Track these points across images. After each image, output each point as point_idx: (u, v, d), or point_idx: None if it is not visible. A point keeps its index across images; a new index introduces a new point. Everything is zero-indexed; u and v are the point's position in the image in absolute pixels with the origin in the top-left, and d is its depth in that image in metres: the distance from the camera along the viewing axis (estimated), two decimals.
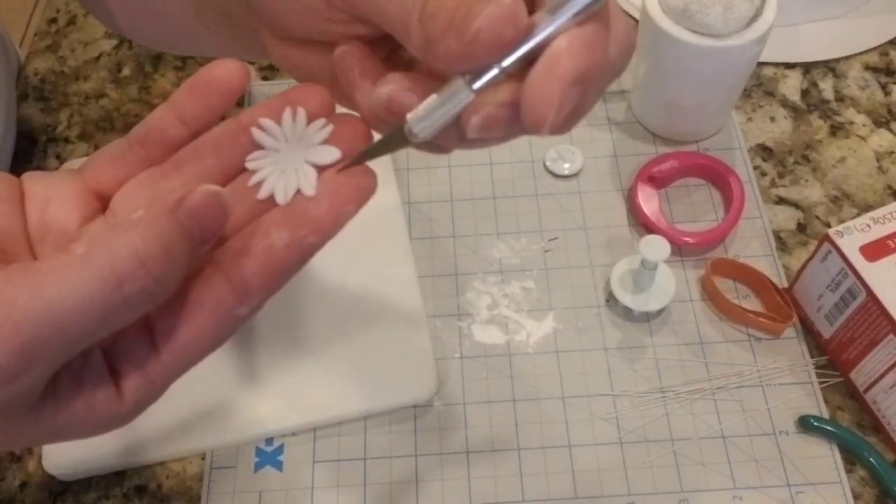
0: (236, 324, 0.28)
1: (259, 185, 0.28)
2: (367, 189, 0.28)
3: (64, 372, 0.27)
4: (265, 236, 0.27)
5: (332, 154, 0.28)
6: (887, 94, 0.64)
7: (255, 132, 0.29)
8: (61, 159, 0.63)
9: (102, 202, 0.30)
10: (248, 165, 0.29)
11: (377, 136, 0.29)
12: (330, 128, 0.29)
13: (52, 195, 0.29)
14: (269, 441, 0.51)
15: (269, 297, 0.28)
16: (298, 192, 0.28)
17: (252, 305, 0.28)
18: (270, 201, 0.28)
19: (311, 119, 0.29)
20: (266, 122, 0.29)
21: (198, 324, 0.27)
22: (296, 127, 0.29)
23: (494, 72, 0.25)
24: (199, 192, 0.26)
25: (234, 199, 0.28)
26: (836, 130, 0.62)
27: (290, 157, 0.28)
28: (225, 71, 0.29)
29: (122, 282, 0.24)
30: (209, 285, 0.27)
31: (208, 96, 0.29)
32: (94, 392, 0.27)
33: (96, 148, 0.64)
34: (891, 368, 0.47)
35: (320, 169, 0.28)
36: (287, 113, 0.29)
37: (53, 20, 0.72)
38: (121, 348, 0.27)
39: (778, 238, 0.57)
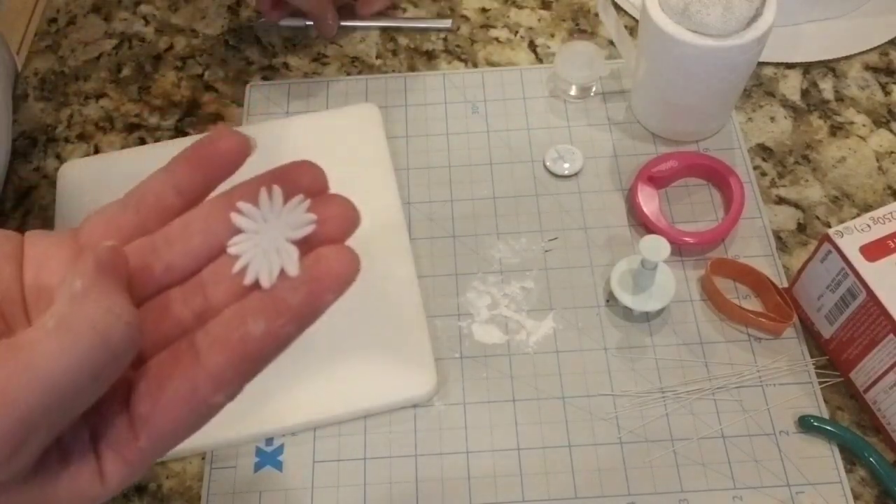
0: (214, 410, 0.28)
1: (243, 270, 0.28)
2: (349, 275, 0.28)
3: (52, 449, 0.27)
4: (242, 324, 0.27)
5: (309, 226, 0.28)
6: (887, 94, 0.64)
7: (234, 217, 0.28)
8: (61, 159, 0.63)
9: None
10: (230, 251, 0.28)
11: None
12: (307, 204, 0.28)
13: (47, 258, 0.29)
14: (269, 441, 0.51)
15: (246, 383, 0.28)
16: (282, 271, 0.27)
17: (229, 393, 0.28)
18: (254, 283, 0.28)
19: (307, 196, 0.29)
20: (244, 205, 0.28)
21: (174, 412, 0.27)
22: (273, 205, 0.28)
23: None
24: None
25: (215, 281, 0.28)
26: (836, 130, 0.62)
27: (270, 237, 0.28)
28: (226, 144, 0.29)
29: (108, 338, 0.25)
30: (186, 373, 0.27)
31: (207, 169, 0.29)
32: (80, 470, 0.27)
33: (96, 148, 0.64)
34: (891, 368, 0.47)
35: (301, 244, 0.28)
36: (263, 193, 0.28)
37: (53, 20, 0.72)
38: (101, 431, 0.28)
39: (778, 238, 0.57)
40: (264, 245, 0.28)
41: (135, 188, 0.30)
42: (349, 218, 0.29)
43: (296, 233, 0.28)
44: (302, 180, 0.29)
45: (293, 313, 0.27)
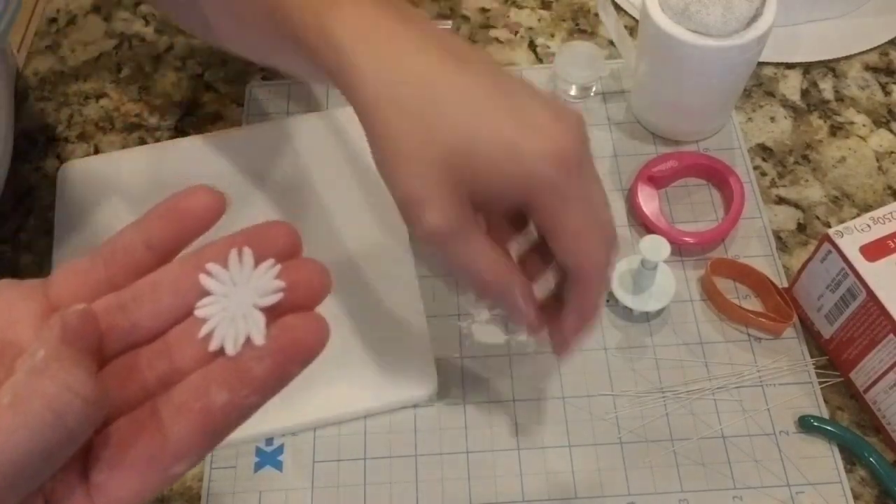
0: (173, 479, 0.27)
1: (209, 335, 0.27)
2: (316, 346, 0.27)
3: None
4: (205, 393, 0.27)
5: (277, 294, 0.27)
6: (887, 94, 0.64)
7: (203, 278, 0.28)
8: (61, 159, 0.63)
9: None
10: (197, 314, 0.28)
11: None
12: (277, 268, 0.28)
13: (15, 311, 0.28)
14: (269, 441, 0.51)
15: (206, 453, 0.28)
16: (248, 339, 0.27)
17: (189, 462, 0.27)
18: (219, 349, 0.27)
19: (279, 259, 0.28)
20: (213, 267, 0.28)
21: (132, 482, 0.27)
22: (243, 269, 0.28)
23: None
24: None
25: (182, 344, 0.28)
26: (836, 130, 0.62)
27: (238, 302, 0.27)
28: (200, 201, 0.28)
29: (64, 418, 0.24)
30: (146, 442, 0.27)
31: (179, 226, 0.29)
32: None
33: (96, 148, 0.64)
34: (891, 368, 0.47)
35: (269, 312, 0.27)
36: (234, 255, 0.28)
37: (53, 20, 0.72)
38: (57, 498, 0.27)
39: (778, 238, 0.57)
40: (231, 310, 0.27)
41: (106, 241, 0.29)
42: (320, 284, 0.28)
43: (264, 300, 0.27)
44: (275, 242, 0.28)
45: (257, 384, 0.27)
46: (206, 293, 0.28)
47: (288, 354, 0.27)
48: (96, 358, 0.27)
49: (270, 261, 0.28)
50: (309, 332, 0.27)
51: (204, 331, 0.27)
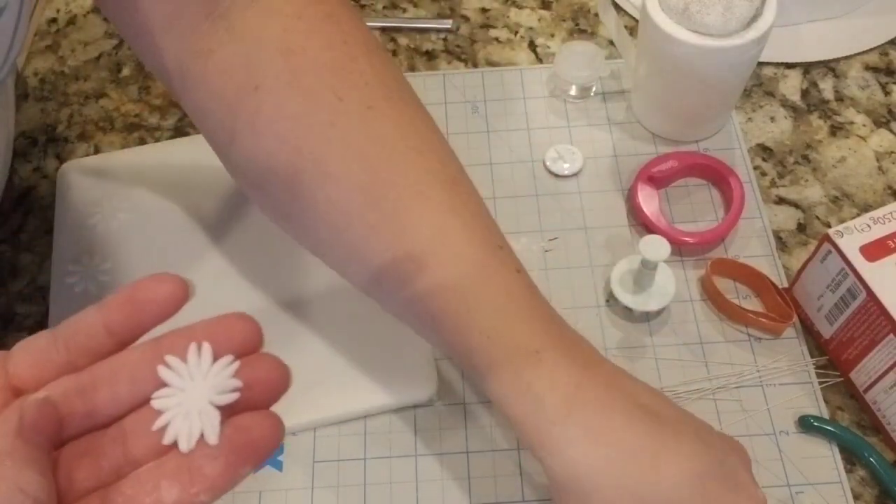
0: None
1: (164, 428, 0.27)
2: (270, 446, 0.27)
3: None
4: (155, 489, 0.27)
5: (233, 394, 0.27)
6: (887, 94, 0.64)
7: (161, 370, 0.28)
8: (61, 159, 0.63)
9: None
10: (154, 405, 0.28)
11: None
12: (235, 366, 0.28)
13: None
14: None
15: None
16: (202, 436, 0.27)
17: None
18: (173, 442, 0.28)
19: (239, 353, 0.28)
20: (172, 359, 0.28)
21: None
22: (201, 364, 0.28)
23: None
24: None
25: (137, 433, 0.28)
26: (836, 130, 0.62)
27: (194, 397, 0.27)
28: (163, 290, 0.28)
29: None
30: None
31: (140, 313, 0.28)
32: None
33: (96, 148, 0.64)
34: (891, 368, 0.47)
35: (224, 410, 0.27)
36: (193, 349, 0.28)
37: (53, 20, 0.72)
38: None
39: (778, 238, 0.57)
40: (187, 405, 0.27)
41: (67, 322, 0.29)
42: (278, 382, 0.28)
43: (220, 398, 0.27)
44: (235, 337, 0.28)
45: (208, 483, 0.27)
46: (163, 383, 0.28)
47: (241, 456, 0.27)
48: (54, 446, 0.27)
49: (229, 357, 0.28)
50: (262, 433, 0.27)
51: (159, 423, 0.27)
